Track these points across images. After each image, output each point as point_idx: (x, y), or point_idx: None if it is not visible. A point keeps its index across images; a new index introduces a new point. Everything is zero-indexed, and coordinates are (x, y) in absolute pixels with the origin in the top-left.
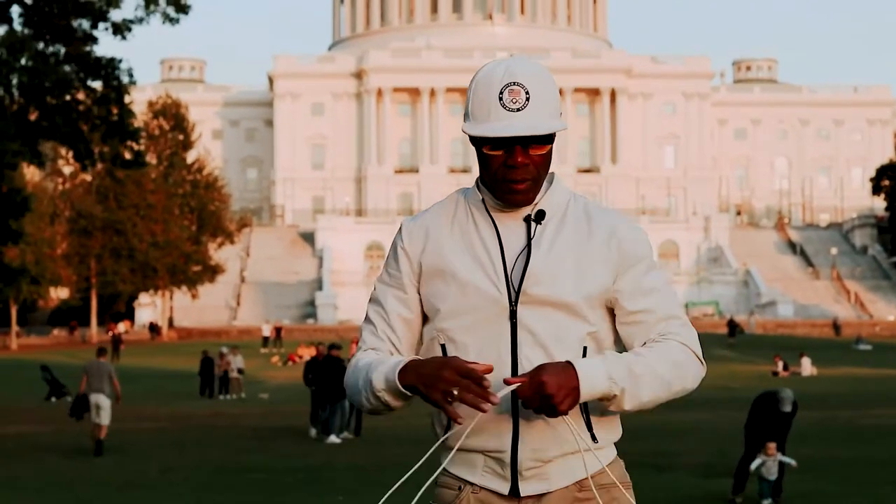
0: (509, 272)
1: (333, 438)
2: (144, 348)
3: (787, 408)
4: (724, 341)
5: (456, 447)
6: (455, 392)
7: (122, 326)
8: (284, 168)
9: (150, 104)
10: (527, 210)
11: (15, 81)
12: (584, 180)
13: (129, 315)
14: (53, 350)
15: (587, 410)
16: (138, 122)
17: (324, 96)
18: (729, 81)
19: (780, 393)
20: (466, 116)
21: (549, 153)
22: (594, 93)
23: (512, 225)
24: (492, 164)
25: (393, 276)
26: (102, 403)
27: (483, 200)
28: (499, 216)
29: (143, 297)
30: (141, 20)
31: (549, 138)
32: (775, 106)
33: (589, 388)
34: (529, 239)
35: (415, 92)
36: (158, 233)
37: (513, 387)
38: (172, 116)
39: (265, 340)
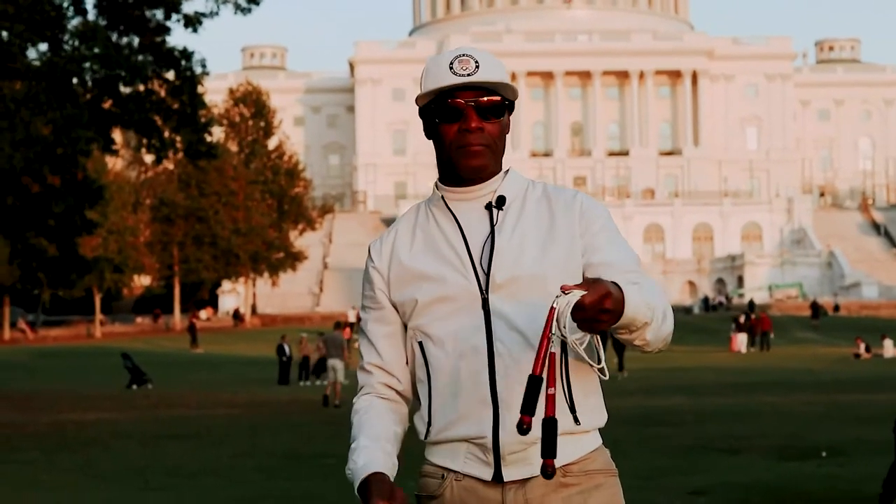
0: (475, 260)
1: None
2: (227, 335)
3: None
4: (808, 323)
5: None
6: None
7: (203, 314)
8: (366, 154)
9: (231, 92)
10: (487, 198)
11: (88, 70)
12: (665, 163)
13: (213, 302)
14: (137, 338)
15: (570, 393)
16: (219, 110)
17: (405, 81)
18: (811, 62)
19: None
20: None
21: (504, 128)
22: (676, 75)
23: (473, 214)
24: (446, 137)
25: (369, 297)
26: (337, 366)
27: (442, 197)
28: (459, 208)
29: (226, 285)
30: (213, 13)
31: (500, 110)
32: (859, 86)
33: (633, 310)
34: (492, 225)
35: None
36: (240, 220)
37: (574, 295)
38: (253, 103)
39: (350, 326)
